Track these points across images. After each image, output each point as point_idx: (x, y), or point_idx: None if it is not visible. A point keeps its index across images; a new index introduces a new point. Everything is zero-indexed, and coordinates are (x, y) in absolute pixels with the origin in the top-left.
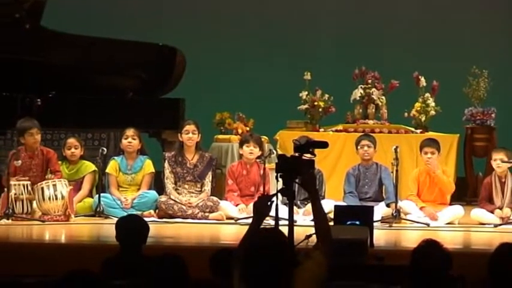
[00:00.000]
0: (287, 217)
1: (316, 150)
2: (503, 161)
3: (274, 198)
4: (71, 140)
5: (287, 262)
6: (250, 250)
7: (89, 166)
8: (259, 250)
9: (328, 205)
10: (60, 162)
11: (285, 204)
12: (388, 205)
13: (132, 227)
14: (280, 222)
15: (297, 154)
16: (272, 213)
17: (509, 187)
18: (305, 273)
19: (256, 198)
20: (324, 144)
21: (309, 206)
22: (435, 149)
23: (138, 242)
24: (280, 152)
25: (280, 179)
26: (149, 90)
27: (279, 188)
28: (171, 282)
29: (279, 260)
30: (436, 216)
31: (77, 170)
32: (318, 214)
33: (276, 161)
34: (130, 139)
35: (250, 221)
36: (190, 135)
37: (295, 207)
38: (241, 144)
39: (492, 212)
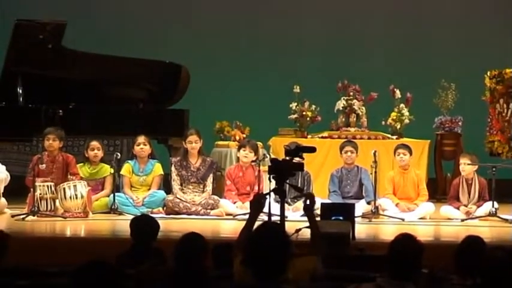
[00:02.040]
0: (279, 213)
1: (305, 154)
2: (467, 164)
3: (267, 196)
4: (94, 143)
5: (286, 252)
6: (254, 240)
7: (108, 169)
8: (264, 241)
9: None
10: (82, 163)
11: (277, 201)
12: (368, 202)
13: (144, 225)
14: (273, 218)
15: (287, 158)
16: (266, 209)
17: (476, 188)
18: (298, 264)
19: (251, 197)
20: (311, 149)
21: (298, 203)
22: (407, 151)
23: (149, 238)
24: (273, 156)
25: (272, 180)
26: (157, 101)
27: (271, 188)
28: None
29: (280, 249)
30: (410, 207)
31: (97, 171)
32: (313, 230)
33: (269, 164)
34: (142, 145)
35: (246, 216)
36: (193, 144)
37: (286, 205)
38: (238, 149)
39: (458, 208)
